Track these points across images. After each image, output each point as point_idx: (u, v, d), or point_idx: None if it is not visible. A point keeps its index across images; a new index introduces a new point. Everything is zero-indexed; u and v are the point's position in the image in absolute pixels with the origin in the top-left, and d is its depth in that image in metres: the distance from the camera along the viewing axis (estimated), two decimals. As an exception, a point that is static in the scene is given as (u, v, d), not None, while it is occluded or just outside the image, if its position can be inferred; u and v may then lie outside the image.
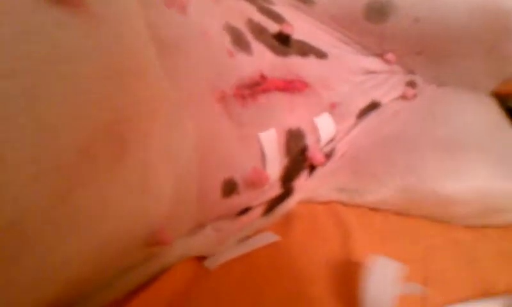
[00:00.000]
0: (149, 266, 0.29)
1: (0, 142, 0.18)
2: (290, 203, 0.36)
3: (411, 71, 0.41)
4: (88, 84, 0.21)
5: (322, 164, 0.36)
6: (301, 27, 0.38)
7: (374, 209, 0.37)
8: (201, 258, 0.31)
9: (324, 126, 0.36)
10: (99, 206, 0.22)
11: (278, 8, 0.38)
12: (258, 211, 0.34)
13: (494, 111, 0.40)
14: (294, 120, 0.35)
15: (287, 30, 0.36)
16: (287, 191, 0.35)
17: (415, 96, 0.40)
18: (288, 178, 0.35)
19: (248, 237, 0.33)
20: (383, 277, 0.26)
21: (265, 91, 0.33)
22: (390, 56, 0.39)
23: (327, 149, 0.37)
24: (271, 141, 0.33)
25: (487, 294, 0.29)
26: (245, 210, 0.33)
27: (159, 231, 0.25)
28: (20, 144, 0.19)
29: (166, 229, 0.25)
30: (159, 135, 0.25)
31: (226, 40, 0.32)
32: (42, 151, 0.19)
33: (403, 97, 0.40)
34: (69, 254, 0.21)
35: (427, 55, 0.39)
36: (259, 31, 0.35)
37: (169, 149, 0.25)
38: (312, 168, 0.37)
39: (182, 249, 0.29)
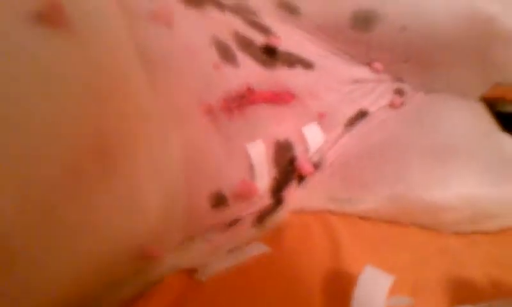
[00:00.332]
0: (140, 279, 0.30)
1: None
2: (281, 214, 0.37)
3: (398, 79, 0.42)
4: (71, 103, 0.22)
5: (311, 174, 0.38)
6: (288, 38, 0.40)
7: (364, 218, 0.38)
8: (192, 270, 0.32)
9: (312, 136, 0.37)
10: (86, 222, 0.23)
11: (265, 20, 0.40)
12: (248, 222, 0.35)
13: (482, 117, 0.42)
14: (281, 131, 0.36)
15: (273, 42, 0.37)
16: (277, 202, 0.36)
17: (402, 104, 0.41)
18: (277, 189, 0.36)
19: (238, 248, 0.34)
20: (371, 289, 0.27)
21: (252, 103, 0.34)
22: (377, 65, 0.41)
23: (316, 159, 0.39)
24: (259, 153, 0.34)
25: (473, 300, 0.30)
26: (235, 221, 0.34)
27: (147, 245, 0.26)
28: (6, 162, 0.20)
29: (155, 242, 0.26)
30: (145, 151, 0.26)
31: (213, 53, 0.34)
32: (27, 169, 0.20)
33: (391, 105, 0.41)
34: (56, 270, 0.23)
35: (414, 63, 0.40)
36: (246, 44, 0.36)
37: (156, 164, 0.27)
38: (301, 178, 0.38)
39: (173, 262, 0.30)
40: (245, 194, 0.33)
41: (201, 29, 0.34)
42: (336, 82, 0.41)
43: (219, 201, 0.32)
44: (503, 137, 0.40)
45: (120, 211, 0.24)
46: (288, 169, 0.36)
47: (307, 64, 0.40)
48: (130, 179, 0.24)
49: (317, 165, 0.38)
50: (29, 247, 0.21)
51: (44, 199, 0.21)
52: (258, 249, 0.33)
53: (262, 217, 0.36)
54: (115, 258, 0.25)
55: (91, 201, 0.22)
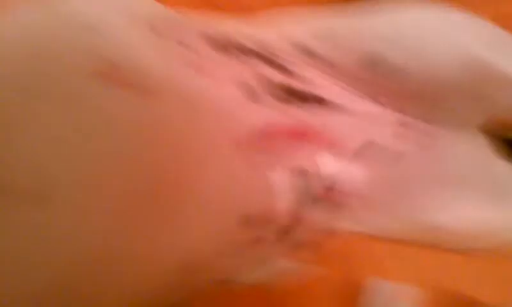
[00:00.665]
0: (183, 290, 0.36)
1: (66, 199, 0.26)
2: (300, 232, 0.43)
3: (402, 112, 0.48)
4: (128, 145, 0.29)
5: (326, 198, 0.44)
6: (304, 77, 0.46)
7: (377, 237, 0.44)
8: (226, 281, 0.38)
9: (325, 164, 0.43)
10: (145, 245, 0.29)
11: (285, 61, 0.46)
12: (271, 239, 0.41)
13: (481, 146, 0.47)
14: (298, 160, 0.42)
15: (292, 82, 0.44)
16: (295, 222, 0.42)
17: (407, 135, 0.47)
18: (295, 211, 0.42)
19: (266, 261, 0.40)
20: (378, 298, 0.33)
21: (273, 137, 0.41)
22: (382, 100, 0.47)
23: (328, 183, 0.44)
24: (279, 180, 0.40)
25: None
26: (260, 239, 0.40)
27: (192, 260, 0.32)
28: (78, 195, 0.26)
29: (197, 258, 0.33)
30: (189, 181, 0.32)
31: (239, 95, 0.40)
32: (94, 200, 0.27)
33: (396, 136, 0.47)
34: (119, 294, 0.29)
35: (417, 99, 0.46)
36: (267, 84, 0.43)
37: (197, 192, 0.33)
38: (317, 201, 0.44)
39: (209, 275, 0.36)
40: (267, 216, 0.39)
41: (230, 73, 0.41)
42: (347, 116, 0.47)
43: (245, 221, 0.38)
44: (500, 163, 0.46)
45: (170, 234, 0.30)
46: (304, 194, 0.42)
47: (320, 100, 0.46)
48: (178, 206, 0.31)
49: (330, 190, 0.44)
50: (105, 271, 0.27)
51: (109, 229, 0.27)
52: (284, 264, 0.40)
53: (283, 235, 0.42)
54: (168, 273, 0.31)
55: (146, 227, 0.29)
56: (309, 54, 0.47)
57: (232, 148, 0.38)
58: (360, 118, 0.47)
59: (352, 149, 0.46)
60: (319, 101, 0.46)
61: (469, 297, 0.38)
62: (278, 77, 0.44)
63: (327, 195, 0.43)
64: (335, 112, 0.46)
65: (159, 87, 0.33)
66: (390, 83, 0.45)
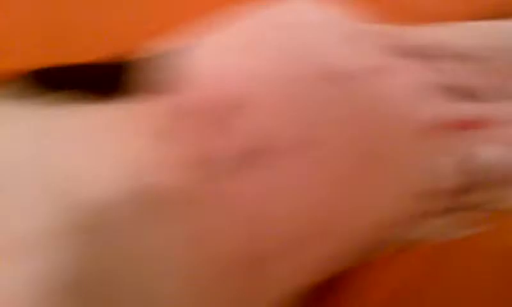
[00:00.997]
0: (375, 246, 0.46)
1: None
2: (464, 209, 0.50)
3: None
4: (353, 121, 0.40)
5: (491, 182, 0.50)
6: (466, 77, 0.53)
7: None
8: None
9: (490, 153, 0.50)
10: (360, 202, 0.40)
11: (449, 64, 0.54)
12: (436, 215, 0.49)
13: None
14: (466, 149, 0.49)
15: (457, 82, 0.51)
16: (461, 202, 0.50)
17: None
18: (460, 193, 0.49)
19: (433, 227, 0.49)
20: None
21: (442, 128, 0.49)
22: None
23: (493, 169, 0.51)
24: (447, 166, 0.48)
25: None
26: (429, 212, 0.48)
27: (384, 221, 0.42)
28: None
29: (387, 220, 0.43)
30: (382, 159, 0.42)
31: (416, 93, 0.49)
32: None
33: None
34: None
35: None
36: (438, 83, 0.51)
37: (386, 167, 0.43)
38: (480, 187, 0.51)
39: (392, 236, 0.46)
40: (437, 194, 0.47)
41: (408, 75, 0.50)
42: (503, 110, 0.53)
43: (417, 196, 0.47)
44: None
45: (371, 195, 0.40)
46: (469, 177, 0.50)
47: (481, 96, 0.52)
48: (376, 175, 0.41)
49: (500, 179, 0.51)
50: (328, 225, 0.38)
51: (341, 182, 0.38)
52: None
53: (448, 212, 0.49)
54: (366, 229, 0.42)
55: (359, 187, 0.39)
56: (468, 57, 0.54)
57: (408, 135, 0.47)
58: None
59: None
60: (479, 97, 0.52)
61: None
62: (445, 77, 0.52)
63: (491, 179, 0.50)
64: (493, 107, 0.52)
65: (359, 84, 0.43)
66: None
